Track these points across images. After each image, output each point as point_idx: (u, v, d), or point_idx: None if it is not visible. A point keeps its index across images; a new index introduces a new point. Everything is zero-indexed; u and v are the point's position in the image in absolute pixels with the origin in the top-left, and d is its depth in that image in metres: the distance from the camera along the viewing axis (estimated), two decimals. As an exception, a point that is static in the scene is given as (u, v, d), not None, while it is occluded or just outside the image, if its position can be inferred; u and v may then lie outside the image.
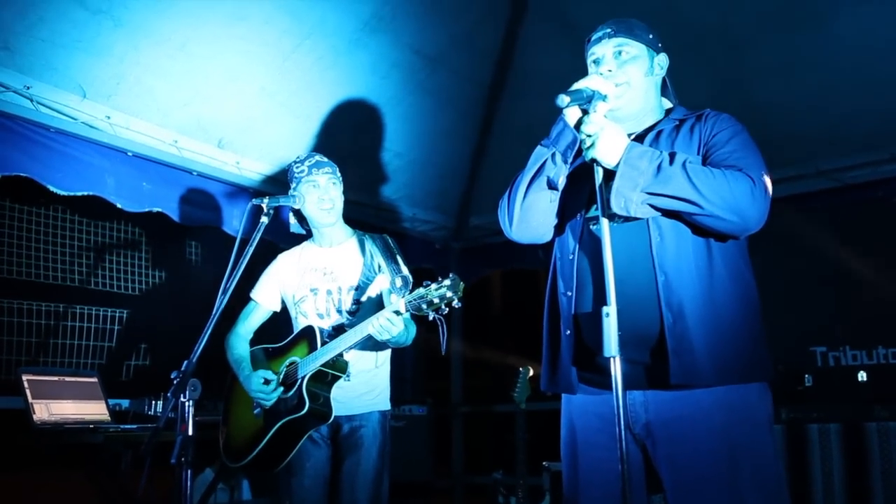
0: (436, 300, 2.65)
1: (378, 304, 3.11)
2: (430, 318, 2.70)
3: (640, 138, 2.27)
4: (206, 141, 4.15)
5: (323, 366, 2.96)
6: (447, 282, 2.64)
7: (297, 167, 3.27)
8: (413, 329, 3.08)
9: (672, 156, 2.08)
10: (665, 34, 2.37)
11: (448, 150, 5.26)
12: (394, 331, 2.82)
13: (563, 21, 4.43)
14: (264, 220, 2.86)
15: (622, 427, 1.86)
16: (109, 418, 3.77)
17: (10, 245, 4.48)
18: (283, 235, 3.47)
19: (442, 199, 5.63)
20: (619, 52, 2.28)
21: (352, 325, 3.01)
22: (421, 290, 2.69)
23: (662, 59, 2.34)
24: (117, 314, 4.90)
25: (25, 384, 3.47)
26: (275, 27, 3.85)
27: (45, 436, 3.38)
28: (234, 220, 4.29)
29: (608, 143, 2.07)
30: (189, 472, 2.35)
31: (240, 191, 4.37)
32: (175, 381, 2.37)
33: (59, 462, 3.78)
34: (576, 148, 2.17)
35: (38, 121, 3.48)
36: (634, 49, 2.29)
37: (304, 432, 3.05)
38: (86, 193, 3.66)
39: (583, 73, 2.21)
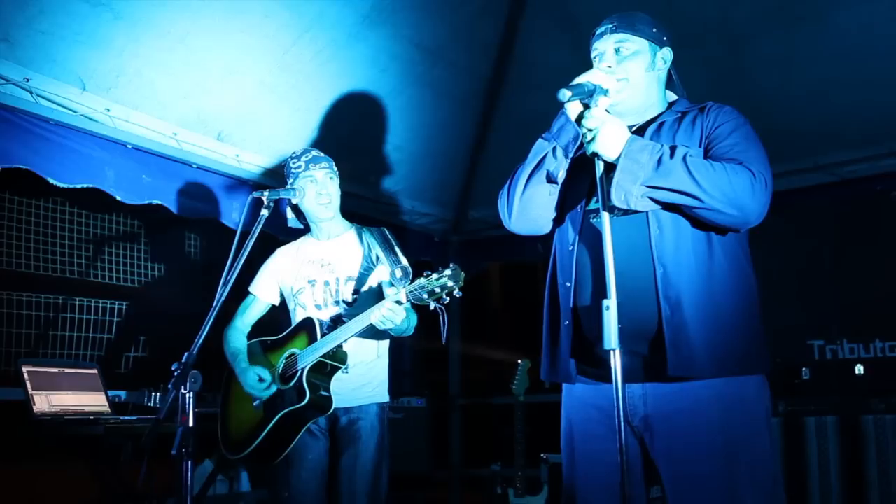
0: (437, 289, 2.66)
1: (377, 296, 3.12)
2: (432, 307, 2.71)
3: (641, 130, 2.27)
4: (206, 134, 4.14)
5: (323, 357, 2.97)
6: (448, 271, 2.65)
7: (293, 162, 3.27)
8: (414, 319, 3.09)
9: (673, 149, 2.09)
10: (667, 32, 2.37)
11: (447, 142, 5.25)
12: (396, 320, 2.83)
13: (563, 14, 4.43)
14: (264, 212, 2.86)
15: (622, 419, 1.87)
16: (109, 410, 3.77)
17: (9, 237, 4.49)
18: (282, 228, 3.48)
19: (441, 191, 5.63)
20: (619, 49, 2.28)
21: (350, 315, 3.02)
22: (422, 280, 2.70)
23: (666, 53, 2.33)
24: (117, 306, 4.91)
25: (25, 375, 3.48)
26: (274, 20, 3.85)
27: (45, 427, 3.39)
28: (233, 213, 4.29)
29: (609, 137, 2.08)
30: (190, 463, 2.36)
31: (239, 183, 4.37)
32: (176, 373, 2.38)
33: (58, 453, 3.79)
34: (577, 143, 2.18)
35: (38, 113, 3.48)
36: (635, 45, 2.28)
37: (303, 424, 3.06)
38: (85, 186, 3.66)
39: (584, 65, 2.22)
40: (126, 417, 3.67)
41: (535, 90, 4.42)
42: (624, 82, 2.24)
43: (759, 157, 2.14)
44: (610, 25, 2.30)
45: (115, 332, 4.86)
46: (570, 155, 2.21)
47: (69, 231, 4.74)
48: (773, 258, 4.47)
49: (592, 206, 2.26)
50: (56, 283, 4.64)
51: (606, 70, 2.20)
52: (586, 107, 2.12)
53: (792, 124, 4.26)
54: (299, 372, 3.01)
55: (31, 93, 3.46)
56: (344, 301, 3.17)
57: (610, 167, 2.09)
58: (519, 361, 4.92)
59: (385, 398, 3.23)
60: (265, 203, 2.90)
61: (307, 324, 3.10)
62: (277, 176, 4.36)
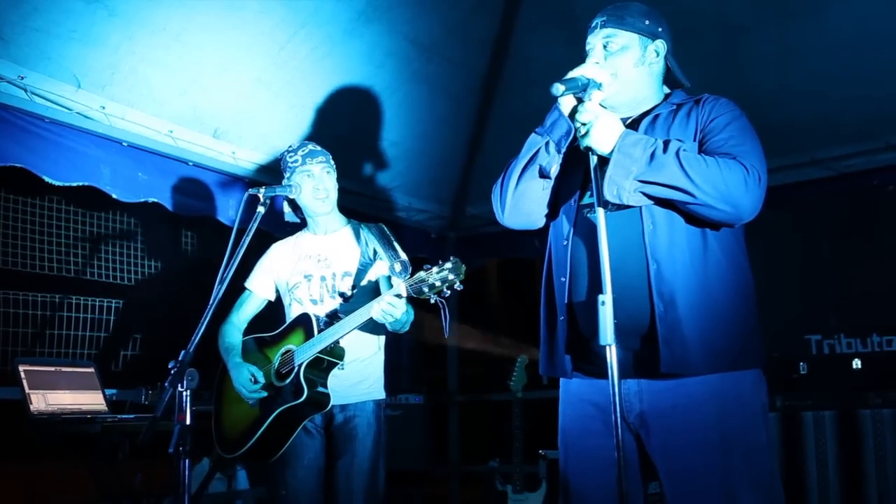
0: (437, 283, 2.65)
1: (373, 291, 3.12)
2: (433, 301, 2.70)
3: (635, 123, 2.27)
4: (202, 131, 4.14)
5: (320, 352, 2.96)
6: (448, 264, 2.64)
7: (290, 156, 3.26)
8: (412, 314, 3.08)
9: (666, 143, 2.08)
10: (662, 23, 2.36)
11: (444, 139, 5.25)
12: (396, 313, 2.82)
13: (559, 9, 4.42)
14: (261, 209, 2.85)
15: (618, 415, 1.87)
16: (106, 408, 3.77)
17: (5, 236, 4.48)
18: (277, 225, 3.47)
19: (438, 188, 5.63)
20: (607, 44, 2.27)
21: (346, 311, 3.01)
22: (422, 274, 2.69)
23: (659, 46, 2.31)
24: (113, 304, 4.90)
25: (22, 374, 3.47)
26: (270, 17, 3.84)
27: (42, 426, 3.38)
28: (229, 210, 4.29)
29: (602, 131, 2.07)
30: (187, 461, 2.35)
31: (235, 181, 4.37)
32: (173, 371, 2.37)
33: (56, 452, 3.79)
34: (570, 137, 2.18)
35: (33, 111, 3.47)
36: (623, 39, 2.26)
37: (300, 421, 3.04)
38: (81, 184, 3.65)
39: (580, 61, 2.21)
40: (123, 416, 3.67)
41: (531, 86, 4.40)
42: (611, 77, 2.22)
43: (753, 151, 2.13)
44: (601, 20, 2.29)
45: (111, 330, 4.85)
46: (563, 149, 2.20)
47: (65, 229, 4.73)
48: (770, 253, 4.47)
49: (586, 200, 2.25)
50: (52, 282, 4.63)
51: (594, 66, 2.19)
52: (580, 101, 2.11)
53: (789, 119, 4.25)
54: (296, 368, 2.98)
55: (25, 91, 3.45)
56: (340, 296, 3.16)
57: (604, 161, 2.09)
58: (517, 358, 4.92)
59: (381, 395, 3.22)
60: (261, 200, 2.88)
61: (303, 319, 3.08)
62: (274, 173, 4.36)
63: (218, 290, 2.62)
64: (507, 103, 5.08)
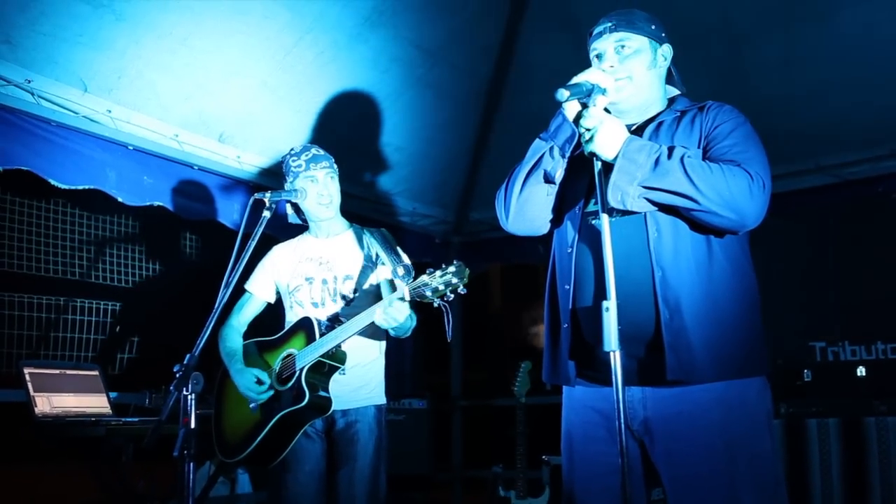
0: (441, 287, 2.63)
1: (375, 295, 3.11)
2: (436, 304, 2.68)
3: (640, 129, 2.26)
4: (208, 135, 4.15)
5: (322, 356, 2.94)
6: (452, 268, 2.62)
7: (293, 160, 3.24)
8: (414, 319, 3.06)
9: (671, 150, 2.08)
10: (665, 29, 2.36)
11: (448, 144, 5.26)
12: (400, 318, 2.81)
13: (564, 15, 4.43)
14: (266, 214, 2.85)
15: (622, 421, 1.87)
16: (111, 411, 3.78)
17: (10, 238, 4.49)
18: (282, 229, 3.47)
19: (442, 193, 5.63)
20: (621, 47, 2.27)
21: (347, 314, 3.00)
22: (425, 277, 2.67)
23: (666, 50, 2.32)
24: (118, 307, 4.91)
25: (27, 377, 3.48)
26: (275, 21, 3.86)
27: (47, 429, 3.38)
28: (234, 215, 4.30)
29: (607, 137, 2.07)
30: (192, 465, 2.35)
31: (241, 185, 4.38)
32: (178, 375, 2.37)
33: (60, 455, 3.80)
34: (574, 142, 2.17)
35: (40, 114, 3.48)
36: (636, 43, 2.27)
37: (302, 425, 3.03)
38: (87, 187, 3.66)
39: (584, 66, 2.21)
40: (127, 419, 3.67)
41: (536, 92, 4.41)
42: (627, 80, 2.22)
43: (758, 158, 2.12)
44: (609, 24, 2.28)
45: (114, 332, 4.86)
46: (567, 154, 2.19)
47: (70, 233, 4.74)
48: (774, 260, 4.47)
49: (591, 207, 2.24)
50: (57, 285, 4.64)
51: (609, 69, 2.18)
52: (584, 106, 2.11)
53: (793, 126, 4.26)
54: (297, 372, 2.97)
55: (32, 94, 3.46)
56: (342, 299, 3.15)
57: (608, 167, 2.08)
58: (520, 363, 4.92)
59: (382, 400, 3.21)
60: (267, 205, 2.88)
61: (305, 323, 3.07)
62: (278, 177, 4.36)
63: (223, 295, 2.61)
64: (512, 109, 5.09)
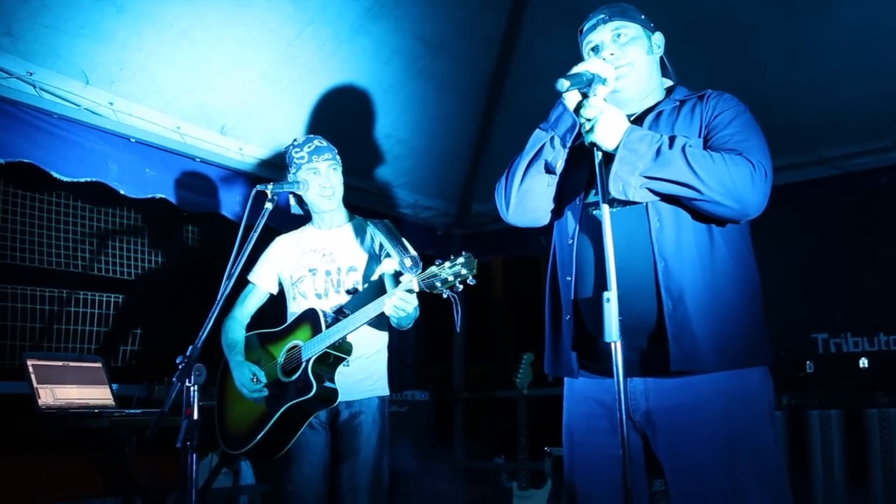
0: (450, 277, 2.63)
1: (378, 286, 3.11)
2: (445, 296, 2.67)
3: (639, 119, 2.26)
4: (209, 127, 4.15)
5: (328, 347, 2.95)
6: (461, 259, 2.62)
7: (296, 152, 3.24)
8: (417, 310, 3.07)
9: (672, 139, 2.07)
10: (667, 20, 2.38)
11: (450, 136, 5.25)
12: (409, 308, 2.81)
13: (566, 7, 4.41)
14: (269, 206, 2.85)
15: (623, 412, 1.86)
16: (114, 403, 3.79)
17: (13, 231, 4.50)
18: (284, 220, 3.48)
19: (444, 185, 5.63)
20: (618, 36, 2.27)
21: (351, 306, 3.00)
22: (434, 269, 2.67)
23: (658, 38, 2.34)
24: (121, 299, 4.92)
25: (30, 369, 3.48)
26: (277, 14, 3.85)
27: (50, 420, 3.39)
28: (236, 207, 4.30)
29: (607, 127, 2.06)
30: (195, 456, 2.36)
31: (243, 177, 4.38)
32: (180, 366, 2.38)
33: (63, 447, 3.81)
34: (575, 132, 2.16)
35: (41, 107, 3.48)
36: (632, 30, 2.28)
37: (307, 416, 3.04)
38: (89, 180, 3.66)
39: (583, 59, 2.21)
40: (130, 411, 3.68)
41: (538, 83, 4.39)
42: (628, 67, 2.23)
43: (759, 146, 2.12)
44: (602, 16, 2.29)
45: (117, 324, 4.87)
46: (568, 145, 2.19)
47: (73, 225, 4.75)
48: (777, 251, 4.46)
49: (591, 198, 2.24)
50: (60, 277, 4.66)
51: (609, 58, 2.18)
52: (584, 96, 2.11)
53: (796, 117, 4.25)
54: (304, 363, 2.98)
55: (34, 87, 3.46)
56: (346, 291, 3.16)
57: (609, 157, 2.08)
58: (522, 355, 4.93)
59: (385, 391, 3.22)
60: (269, 196, 2.88)
61: (310, 315, 3.07)
62: (280, 169, 4.37)
63: (226, 286, 2.61)
64: (514, 101, 5.08)
